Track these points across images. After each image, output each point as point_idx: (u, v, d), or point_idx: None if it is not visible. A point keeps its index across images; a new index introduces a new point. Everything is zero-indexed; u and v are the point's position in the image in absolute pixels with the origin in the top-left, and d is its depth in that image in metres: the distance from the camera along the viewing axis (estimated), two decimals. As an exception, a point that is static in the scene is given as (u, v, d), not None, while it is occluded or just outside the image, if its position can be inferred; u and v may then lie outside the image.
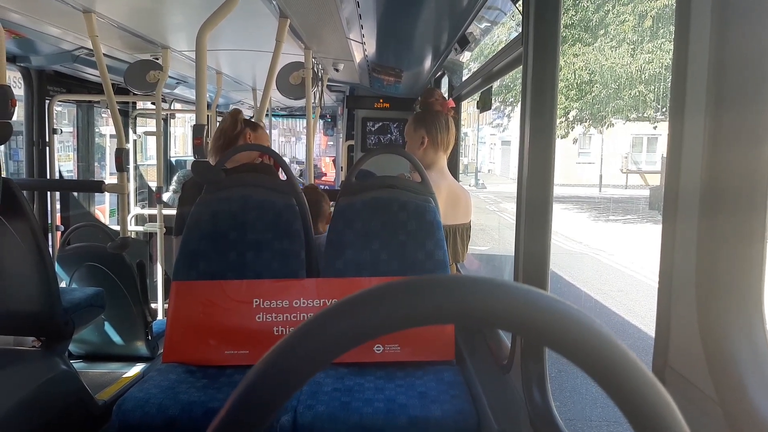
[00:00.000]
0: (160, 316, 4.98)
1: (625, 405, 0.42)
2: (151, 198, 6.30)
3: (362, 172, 3.46)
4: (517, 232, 1.81)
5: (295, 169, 13.63)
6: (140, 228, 5.82)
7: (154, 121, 4.87)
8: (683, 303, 0.93)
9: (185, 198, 2.84)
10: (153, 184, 5.91)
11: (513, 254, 1.87)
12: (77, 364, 3.75)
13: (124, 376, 3.71)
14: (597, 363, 0.42)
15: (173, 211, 3.73)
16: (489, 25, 3.09)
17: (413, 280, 0.43)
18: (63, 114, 6.62)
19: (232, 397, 0.41)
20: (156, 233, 5.11)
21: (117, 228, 4.12)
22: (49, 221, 4.57)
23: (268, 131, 8.52)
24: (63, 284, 3.72)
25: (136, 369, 3.81)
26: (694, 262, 0.90)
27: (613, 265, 10.79)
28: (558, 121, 1.80)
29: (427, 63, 4.55)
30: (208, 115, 3.13)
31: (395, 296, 0.42)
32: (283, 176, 2.72)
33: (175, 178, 6.43)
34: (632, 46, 14.30)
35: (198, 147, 2.51)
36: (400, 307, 0.41)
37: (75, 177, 5.59)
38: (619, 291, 8.86)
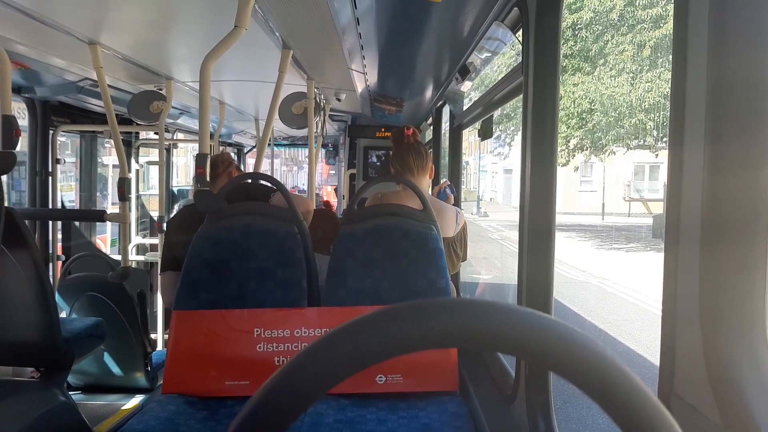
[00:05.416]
0: (159, 347, 4.94)
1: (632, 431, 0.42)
2: (153, 227, 6.31)
3: (361, 200, 3.50)
4: (520, 259, 1.81)
5: None
6: (141, 257, 5.82)
7: (157, 150, 4.89)
8: (687, 330, 0.92)
9: (172, 232, 2.86)
10: (154, 214, 5.92)
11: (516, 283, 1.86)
12: (76, 396, 3.71)
13: (123, 407, 3.67)
14: (603, 388, 0.42)
15: None
16: (489, 55, 3.13)
17: (417, 303, 0.43)
18: (65, 144, 6.67)
19: (236, 421, 0.40)
20: (157, 263, 5.10)
21: (118, 258, 4.12)
22: (51, 251, 4.57)
23: (269, 160, 8.52)
24: (63, 314, 3.70)
25: (135, 400, 3.77)
26: (698, 289, 0.89)
27: (617, 293, 10.71)
28: (559, 149, 1.81)
29: (428, 93, 4.60)
30: (210, 145, 3.16)
31: (400, 319, 0.41)
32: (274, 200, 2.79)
33: (176, 207, 6.45)
34: (631, 76, 14.44)
35: (201, 176, 2.52)
36: (405, 329, 0.41)
37: (77, 206, 5.60)
38: (624, 320, 8.79)
